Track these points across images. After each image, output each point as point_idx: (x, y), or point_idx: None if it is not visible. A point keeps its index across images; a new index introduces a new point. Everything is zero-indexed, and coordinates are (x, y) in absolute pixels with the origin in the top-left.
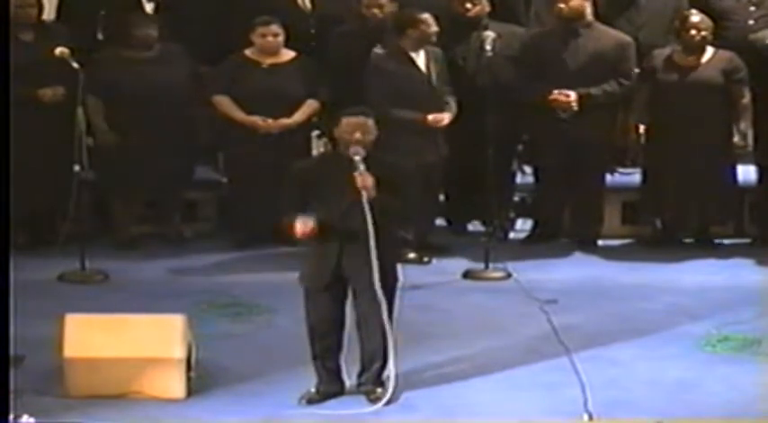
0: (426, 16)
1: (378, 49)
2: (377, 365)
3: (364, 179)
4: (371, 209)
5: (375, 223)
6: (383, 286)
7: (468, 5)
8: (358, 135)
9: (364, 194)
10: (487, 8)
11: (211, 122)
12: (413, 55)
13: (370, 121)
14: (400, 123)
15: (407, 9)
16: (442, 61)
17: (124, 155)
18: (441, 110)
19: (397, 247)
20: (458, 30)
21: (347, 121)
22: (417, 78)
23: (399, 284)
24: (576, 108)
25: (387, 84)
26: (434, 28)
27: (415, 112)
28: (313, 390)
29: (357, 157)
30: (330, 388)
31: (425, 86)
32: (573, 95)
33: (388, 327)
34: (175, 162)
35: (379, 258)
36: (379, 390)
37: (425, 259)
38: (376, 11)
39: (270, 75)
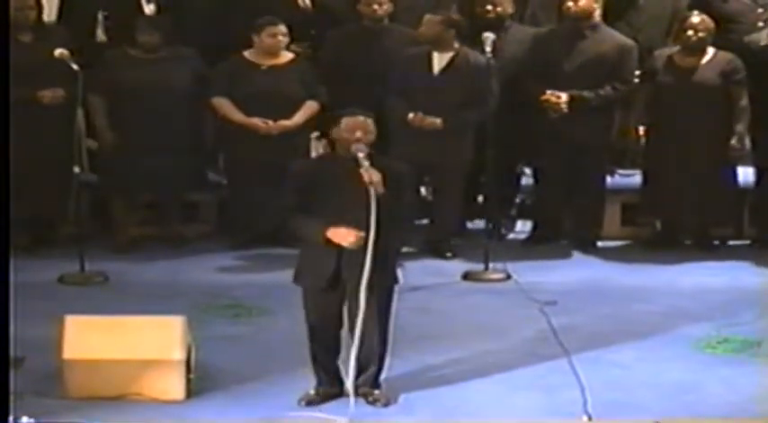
0: None
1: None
2: (374, 368)
3: (371, 175)
4: (378, 206)
5: (378, 222)
6: (381, 286)
7: (489, 7)
8: (359, 134)
9: (371, 190)
10: (510, 10)
11: (213, 124)
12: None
13: (370, 121)
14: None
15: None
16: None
17: (124, 156)
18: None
19: (397, 248)
20: (478, 31)
21: (347, 121)
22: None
23: (397, 286)
24: (565, 110)
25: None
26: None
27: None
28: (312, 391)
29: (361, 154)
30: (330, 389)
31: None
32: (564, 97)
33: (378, 328)
34: (177, 164)
35: (381, 259)
36: (377, 392)
37: (448, 254)
38: (375, 7)
39: (269, 76)
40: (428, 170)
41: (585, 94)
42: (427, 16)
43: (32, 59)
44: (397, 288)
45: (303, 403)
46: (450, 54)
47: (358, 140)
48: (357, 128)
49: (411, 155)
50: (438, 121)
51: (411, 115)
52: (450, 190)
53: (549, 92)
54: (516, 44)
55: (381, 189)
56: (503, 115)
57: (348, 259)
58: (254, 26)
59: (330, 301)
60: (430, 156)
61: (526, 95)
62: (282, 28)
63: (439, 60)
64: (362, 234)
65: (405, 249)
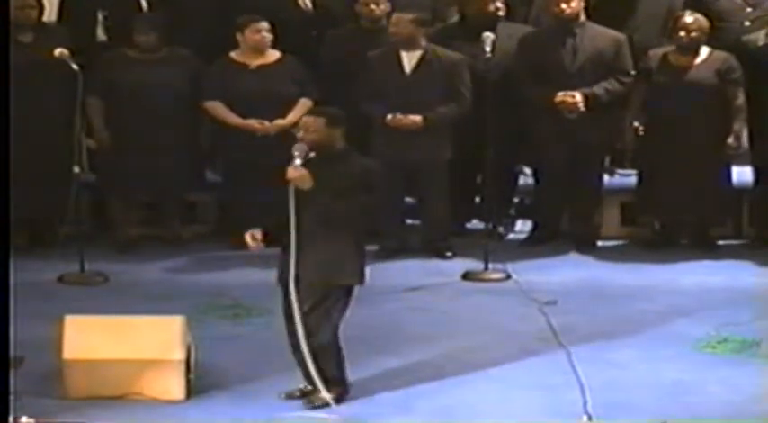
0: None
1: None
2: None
3: (292, 171)
4: (297, 202)
5: (324, 220)
6: (337, 285)
7: (491, 6)
8: (301, 133)
9: (290, 187)
10: (502, 9)
11: (209, 125)
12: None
13: (312, 120)
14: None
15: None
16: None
17: (123, 156)
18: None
19: (355, 246)
20: (473, 29)
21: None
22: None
23: (395, 286)
24: (582, 108)
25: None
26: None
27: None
28: (301, 386)
29: (295, 152)
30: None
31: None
32: (578, 96)
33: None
34: (176, 164)
35: (335, 258)
36: (330, 394)
37: (448, 254)
38: (373, 7)
39: (259, 76)
40: (411, 170)
41: (596, 90)
42: (396, 15)
43: (32, 59)
44: (392, 288)
45: (284, 396)
46: (419, 52)
47: (300, 140)
48: (302, 127)
49: (393, 156)
50: (418, 118)
51: (389, 117)
52: (437, 188)
53: (561, 93)
54: (506, 39)
55: (307, 185)
56: (501, 115)
57: (303, 260)
58: (237, 24)
59: (288, 302)
60: (412, 155)
61: (527, 96)
62: (266, 24)
63: (409, 59)
64: (256, 241)
65: (404, 249)
